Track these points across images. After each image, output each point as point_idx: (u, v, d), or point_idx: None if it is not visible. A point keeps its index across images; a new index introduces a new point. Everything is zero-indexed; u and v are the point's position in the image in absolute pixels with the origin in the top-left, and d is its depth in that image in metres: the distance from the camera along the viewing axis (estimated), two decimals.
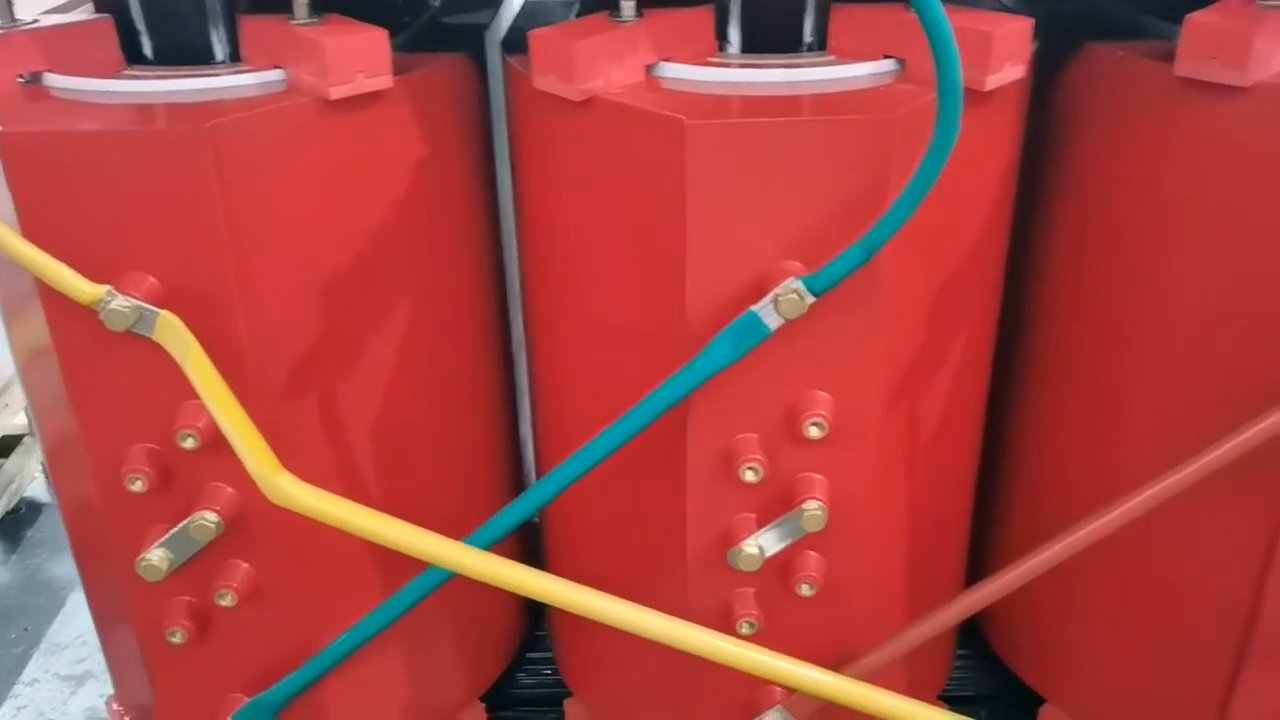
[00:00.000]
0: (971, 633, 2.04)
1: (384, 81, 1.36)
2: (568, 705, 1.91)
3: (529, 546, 1.92)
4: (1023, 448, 1.81)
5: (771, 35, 1.44)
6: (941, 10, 1.08)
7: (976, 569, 1.90)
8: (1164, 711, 1.69)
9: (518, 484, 1.97)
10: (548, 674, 2.01)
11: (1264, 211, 1.35)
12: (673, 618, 1.45)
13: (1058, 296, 1.66)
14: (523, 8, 1.69)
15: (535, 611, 2.08)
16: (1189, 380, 1.49)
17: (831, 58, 1.42)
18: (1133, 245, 1.49)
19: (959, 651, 2.05)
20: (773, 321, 1.31)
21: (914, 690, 1.77)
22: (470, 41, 1.64)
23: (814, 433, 1.38)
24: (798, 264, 1.32)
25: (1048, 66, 1.61)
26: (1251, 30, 1.27)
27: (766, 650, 1.46)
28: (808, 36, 1.45)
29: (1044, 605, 1.82)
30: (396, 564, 1.45)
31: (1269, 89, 1.29)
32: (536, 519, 1.87)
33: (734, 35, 1.45)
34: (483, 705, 1.90)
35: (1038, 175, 1.67)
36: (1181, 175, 1.40)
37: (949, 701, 1.93)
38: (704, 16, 1.44)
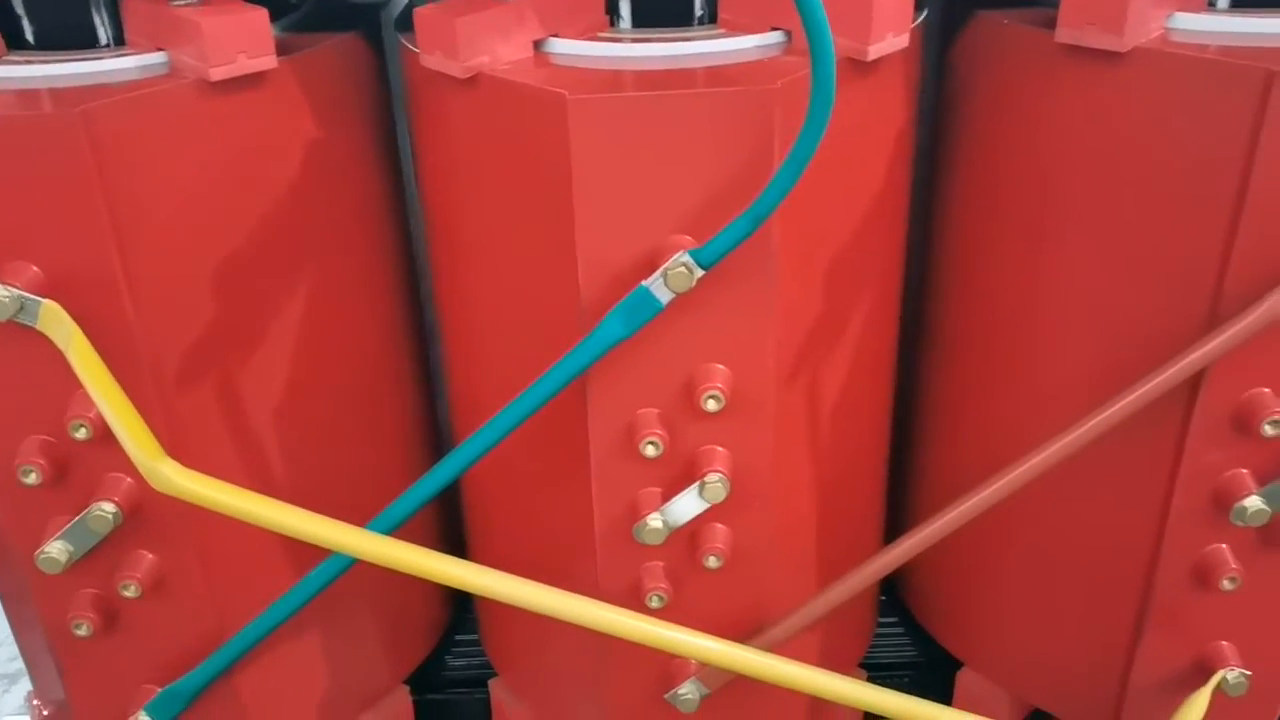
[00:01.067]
0: (896, 602, 2.07)
1: (267, 62, 1.34)
2: (492, 685, 1.92)
3: (455, 533, 1.93)
4: (932, 413, 1.83)
5: (662, 9, 1.44)
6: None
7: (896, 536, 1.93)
8: (1073, 671, 1.73)
9: None
10: (476, 655, 2.01)
11: (1142, 174, 1.36)
12: (578, 596, 1.45)
13: (959, 262, 1.68)
14: None
15: (465, 594, 2.07)
16: (1081, 341, 1.51)
17: (721, 31, 1.42)
18: (1023, 212, 1.51)
19: (884, 620, 2.08)
20: (663, 296, 1.31)
21: (832, 658, 1.80)
22: (368, 21, 1.62)
23: (711, 405, 1.39)
24: (688, 238, 1.32)
25: (945, 33, 1.63)
26: None
27: (671, 625, 1.47)
28: (698, 10, 1.44)
29: (959, 572, 1.85)
30: (306, 550, 1.44)
31: (1146, 54, 1.31)
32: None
33: (625, 10, 1.45)
34: (407, 688, 1.90)
35: (940, 142, 1.69)
36: (1064, 140, 1.42)
37: (871, 669, 1.96)
38: None
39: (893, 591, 2.09)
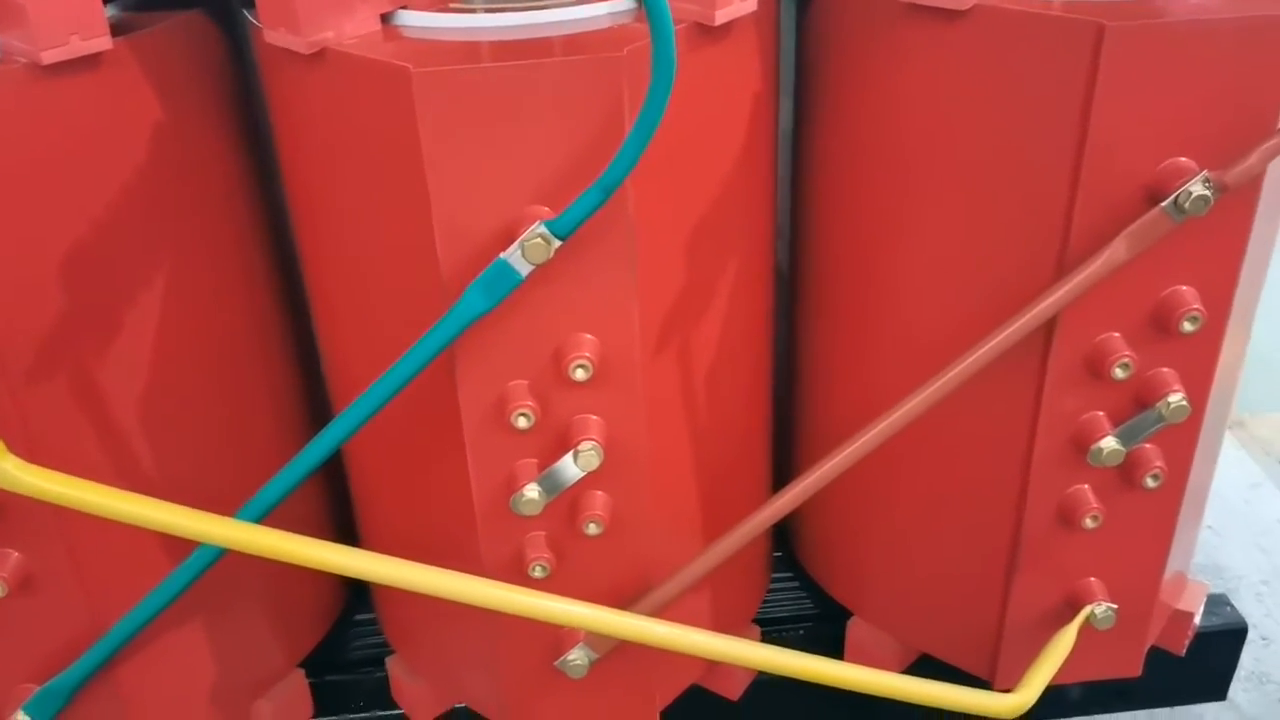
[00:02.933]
0: (791, 558, 2.11)
1: (101, 43, 1.30)
2: (389, 663, 1.92)
3: (347, 517, 1.91)
4: (811, 370, 1.86)
5: None
6: None
7: None
8: (953, 615, 1.78)
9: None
10: (375, 635, 2.01)
11: (987, 129, 1.40)
12: (458, 574, 1.45)
13: (826, 219, 1.70)
14: None
15: None
16: (942, 293, 1.54)
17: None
18: (880, 169, 1.54)
19: (779, 575, 2.12)
20: (523, 268, 1.31)
21: (724, 616, 1.83)
22: None
23: (580, 375, 1.40)
24: (545, 209, 1.32)
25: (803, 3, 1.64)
26: None
27: (553, 596, 1.48)
28: None
29: (843, 523, 1.89)
30: (180, 541, 1.41)
31: (984, 11, 1.34)
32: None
33: None
34: (302, 672, 1.89)
35: (802, 102, 1.70)
36: (914, 98, 1.45)
37: (765, 624, 2.00)
38: None
39: (787, 547, 2.13)
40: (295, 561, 1.40)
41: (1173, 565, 1.72)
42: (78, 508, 1.30)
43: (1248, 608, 2.62)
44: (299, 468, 1.43)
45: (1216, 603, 1.99)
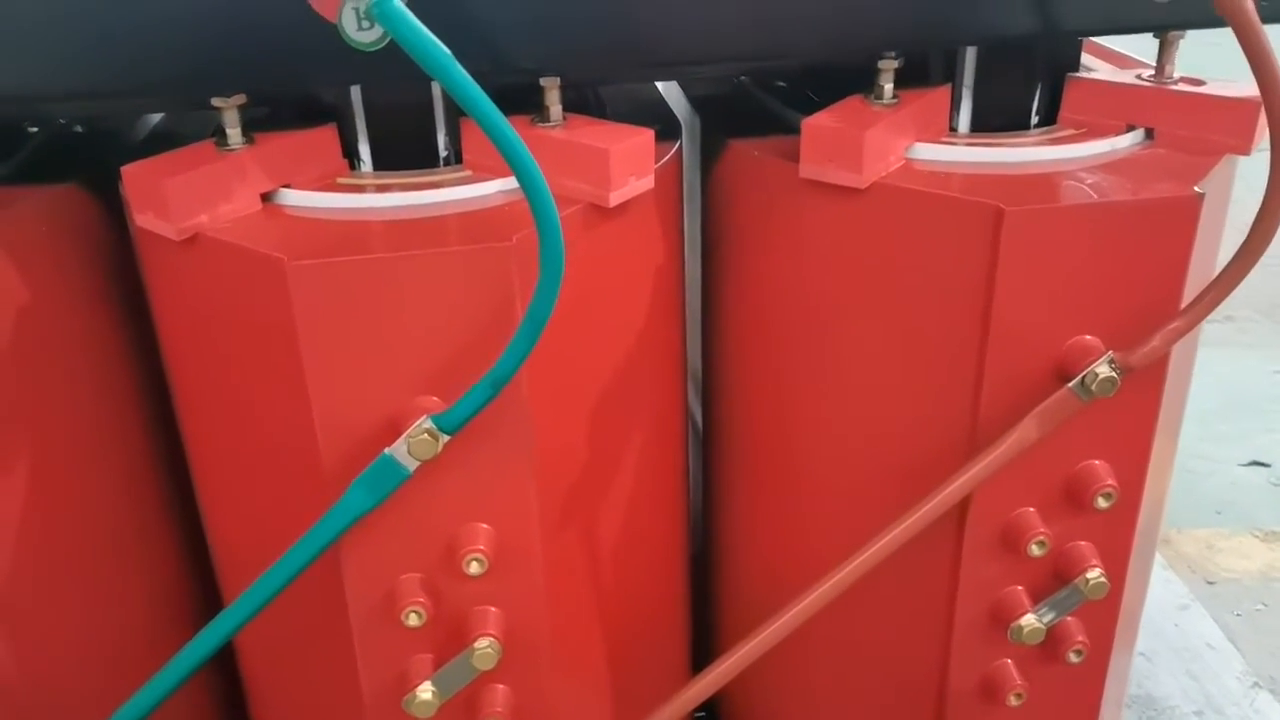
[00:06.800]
0: None
1: None
2: None
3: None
4: (729, 530, 1.80)
5: (404, 151, 1.38)
6: (526, 155, 1.05)
7: (707, 652, 1.88)
8: None
9: None
10: None
11: (894, 302, 1.37)
12: None
13: (738, 389, 1.65)
14: (152, 131, 1.57)
15: None
16: (854, 460, 1.50)
17: (467, 173, 1.37)
18: (787, 338, 1.50)
19: None
20: (409, 464, 1.23)
21: None
22: (95, 167, 1.50)
23: (475, 569, 1.31)
24: (434, 399, 1.25)
25: (708, 163, 1.61)
26: (862, 133, 1.28)
27: None
28: (442, 150, 1.39)
29: (761, 697, 1.81)
30: None
31: (885, 189, 1.31)
32: None
33: (365, 153, 1.38)
34: None
35: (709, 263, 1.67)
36: (820, 267, 1.41)
37: None
38: (330, 135, 1.37)
39: (713, 711, 2.03)
40: None
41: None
42: None
43: None
44: (174, 672, 1.32)
45: None
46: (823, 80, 1.56)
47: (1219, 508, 3.38)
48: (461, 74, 1.01)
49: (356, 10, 0.98)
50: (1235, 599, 3.07)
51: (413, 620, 1.32)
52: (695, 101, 1.72)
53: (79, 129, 1.60)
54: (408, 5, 1.00)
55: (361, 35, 1.01)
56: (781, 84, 1.65)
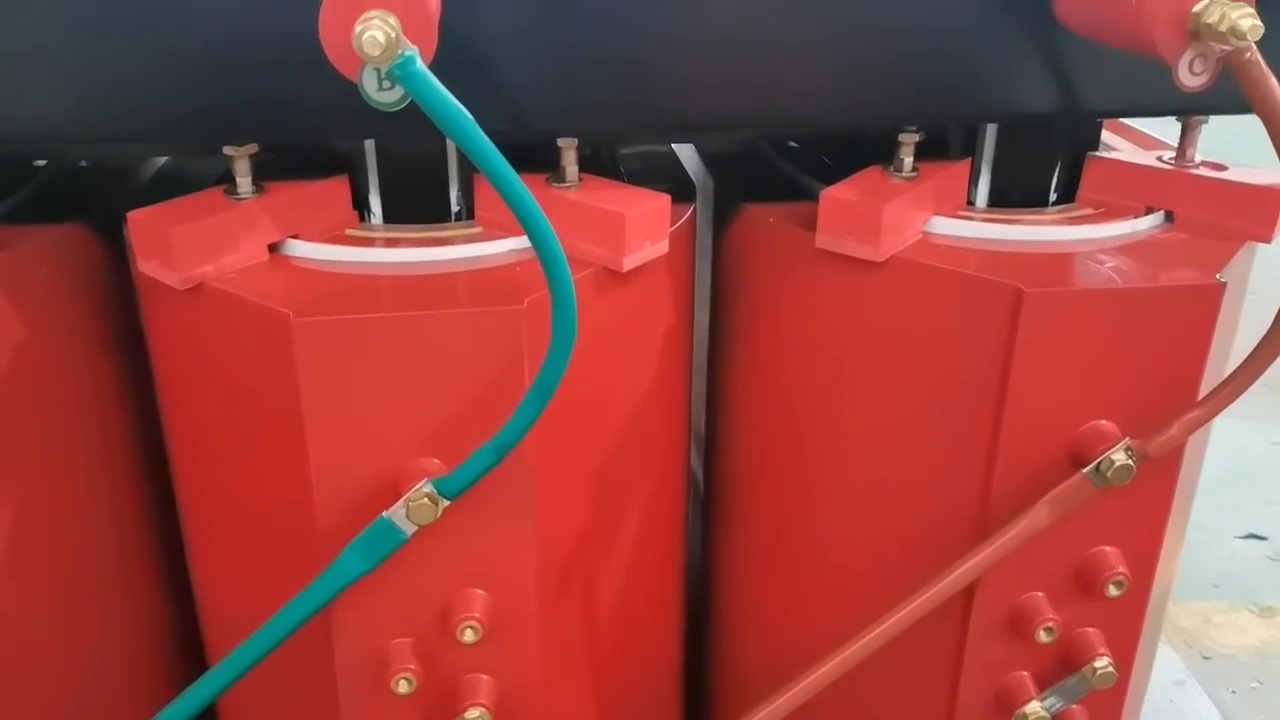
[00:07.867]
0: None
1: None
2: None
3: None
4: (728, 606, 1.76)
5: (416, 205, 1.36)
6: (546, 227, 1.02)
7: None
8: None
9: None
10: None
11: (908, 375, 1.34)
12: None
13: (744, 453, 1.62)
14: (159, 170, 1.55)
15: None
16: (864, 533, 1.47)
17: (478, 229, 1.35)
18: (795, 407, 1.47)
19: None
20: (407, 528, 1.20)
21: None
22: (100, 208, 1.47)
23: (469, 636, 1.27)
24: (435, 461, 1.22)
25: (720, 224, 1.59)
26: (881, 207, 1.26)
27: None
28: (454, 205, 1.37)
29: None
30: None
31: (902, 264, 1.29)
32: None
33: (375, 205, 1.36)
34: None
35: (718, 326, 1.64)
36: (833, 336, 1.39)
37: None
38: (341, 186, 1.35)
39: None
40: None
41: None
42: None
43: None
44: None
45: None
46: (837, 144, 1.55)
47: (1216, 580, 3.35)
48: (482, 138, 0.99)
49: (378, 71, 0.96)
50: (1231, 675, 3.02)
51: (403, 688, 1.28)
52: (708, 159, 1.70)
53: (84, 164, 1.58)
54: (429, 66, 0.98)
55: (382, 95, 0.98)
56: (794, 144, 1.64)
